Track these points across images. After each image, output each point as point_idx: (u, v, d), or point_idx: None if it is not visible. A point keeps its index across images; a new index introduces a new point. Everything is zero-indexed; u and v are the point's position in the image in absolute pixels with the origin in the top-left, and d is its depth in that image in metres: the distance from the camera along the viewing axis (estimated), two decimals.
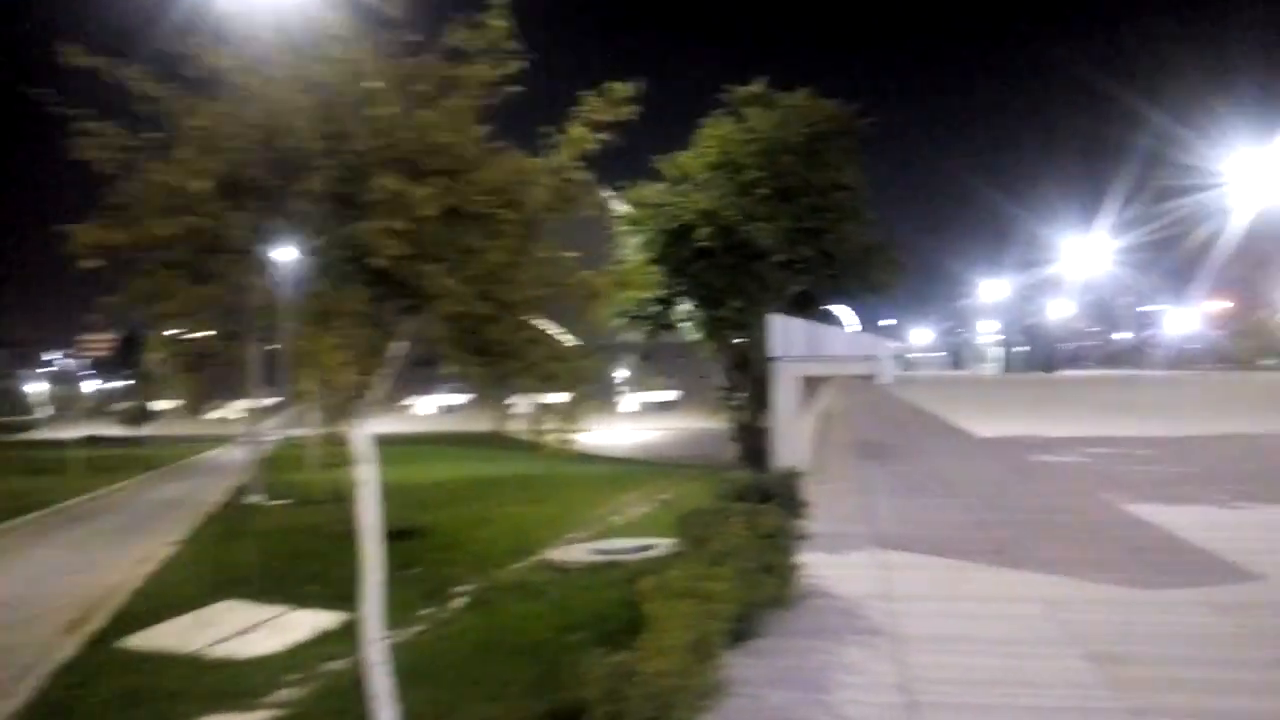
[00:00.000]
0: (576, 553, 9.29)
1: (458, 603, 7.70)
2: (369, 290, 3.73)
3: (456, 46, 4.14)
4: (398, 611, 7.34)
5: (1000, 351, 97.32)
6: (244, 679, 5.89)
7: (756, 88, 14.45)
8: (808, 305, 14.69)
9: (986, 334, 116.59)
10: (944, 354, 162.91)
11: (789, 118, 14.03)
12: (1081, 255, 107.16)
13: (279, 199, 3.58)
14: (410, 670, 5.84)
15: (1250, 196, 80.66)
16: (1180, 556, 6.93)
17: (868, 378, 7.67)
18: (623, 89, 4.35)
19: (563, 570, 8.59)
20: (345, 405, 4.13)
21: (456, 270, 3.73)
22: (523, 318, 4.03)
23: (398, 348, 4.15)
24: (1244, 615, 5.32)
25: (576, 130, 4.29)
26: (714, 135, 14.29)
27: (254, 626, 7.37)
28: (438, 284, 3.60)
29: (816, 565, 6.86)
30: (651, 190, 14.18)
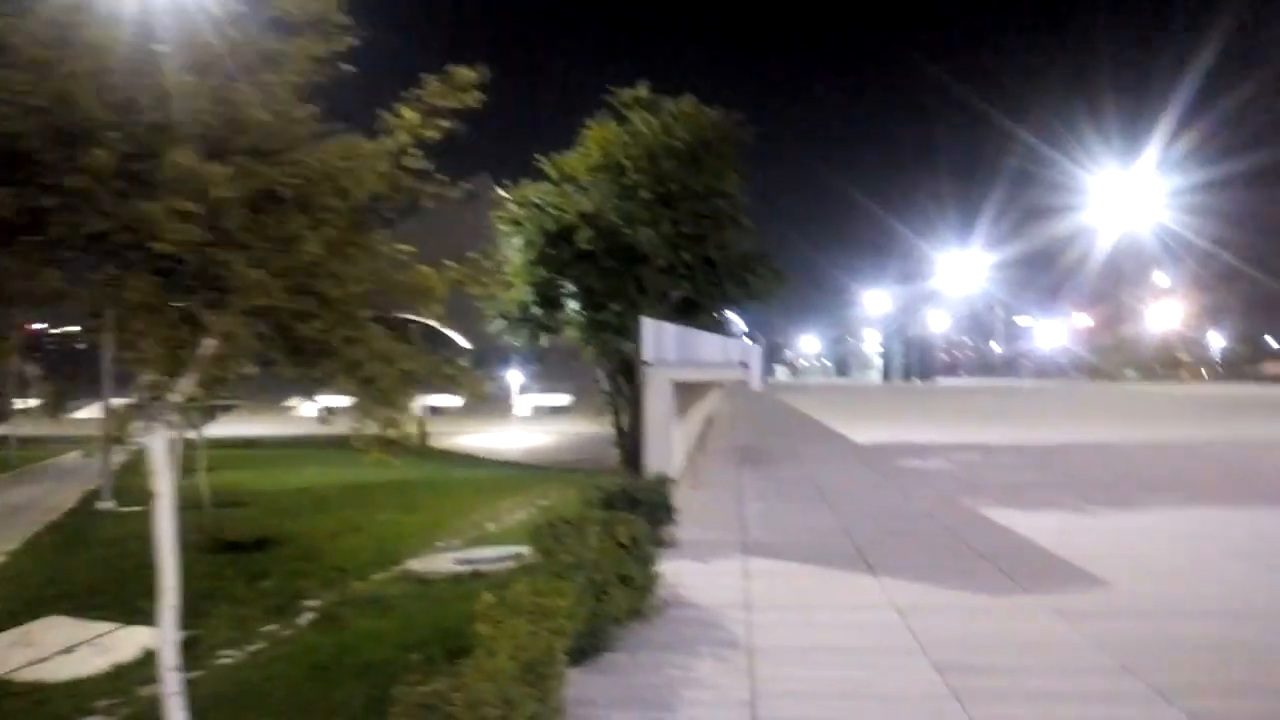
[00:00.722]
0: (440, 563, 8.93)
1: (305, 618, 7.24)
2: (160, 280, 3.34)
3: (281, 16, 3.78)
4: (239, 629, 6.87)
5: (881, 360, 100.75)
6: (50, 705, 5.31)
7: (640, 91, 14.38)
8: (692, 311, 14.69)
9: (870, 343, 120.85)
10: (830, 362, 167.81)
11: (672, 123, 14.01)
12: (958, 270, 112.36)
13: (57, 174, 3.15)
14: (237, 694, 5.40)
15: (1113, 216, 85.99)
16: (1032, 562, 7.07)
17: (740, 383, 7.66)
18: (466, 74, 4.07)
19: (424, 581, 8.23)
20: (145, 406, 3.71)
21: (267, 261, 3.37)
22: (346, 314, 3.68)
23: (210, 345, 3.74)
24: (1090, 622, 5.41)
25: (409, 114, 3.98)
26: (597, 137, 14.14)
27: (76, 646, 6.72)
28: (239, 275, 3.24)
29: (681, 574, 6.72)
30: (534, 190, 13.92)
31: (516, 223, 13.56)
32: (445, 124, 4.13)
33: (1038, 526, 8.50)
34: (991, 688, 4.37)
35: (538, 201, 13.67)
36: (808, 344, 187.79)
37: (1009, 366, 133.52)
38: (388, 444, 3.84)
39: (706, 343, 8.59)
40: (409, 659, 5.24)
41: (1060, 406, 37.56)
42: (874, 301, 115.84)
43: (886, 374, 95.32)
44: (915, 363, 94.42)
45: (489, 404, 67.88)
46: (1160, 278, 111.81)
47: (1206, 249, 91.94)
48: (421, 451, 33.67)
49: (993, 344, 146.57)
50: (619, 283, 13.23)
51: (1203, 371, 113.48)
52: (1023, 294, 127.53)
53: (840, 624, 5.54)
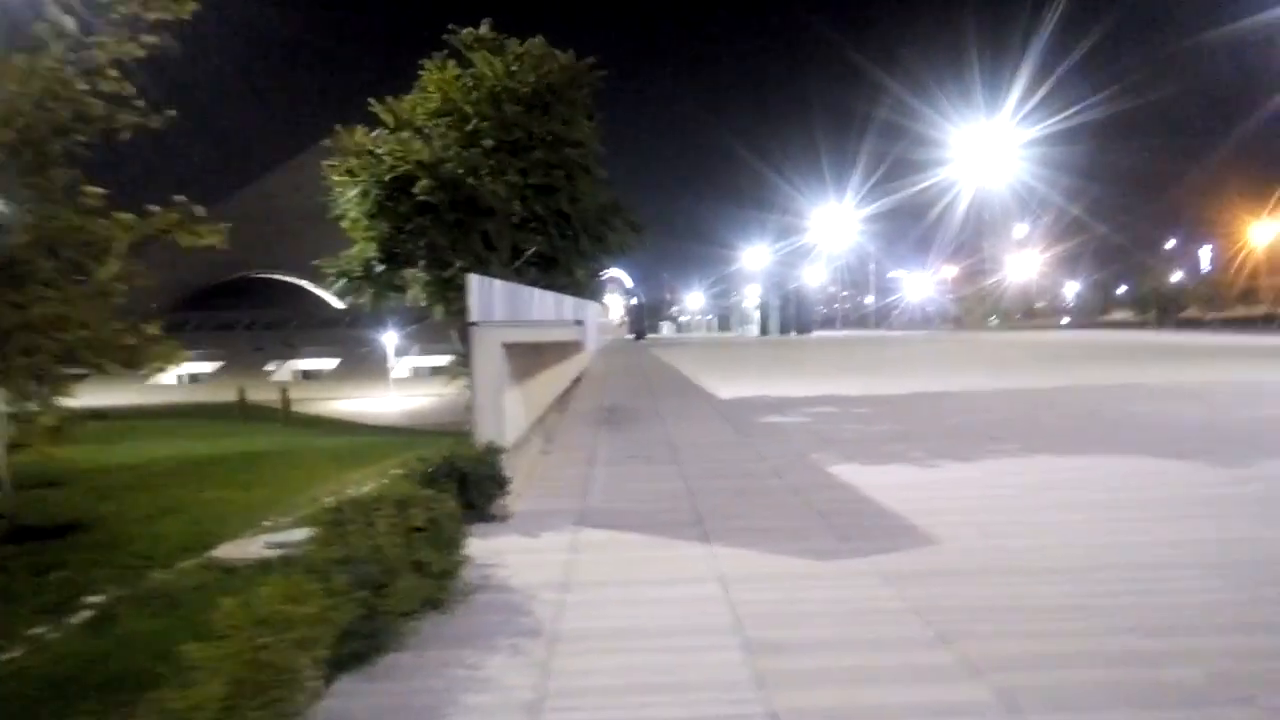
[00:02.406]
0: (253, 547, 8.16)
1: (81, 617, 6.42)
2: None
3: None
4: (2, 630, 6.00)
5: (764, 315, 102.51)
6: None
7: (483, 30, 13.46)
8: (549, 268, 14.06)
9: (750, 298, 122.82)
10: (713, 317, 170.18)
11: (517, 66, 13.18)
12: (834, 224, 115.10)
13: None
14: None
15: (976, 169, 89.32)
16: (869, 522, 6.88)
17: (575, 344, 7.26)
18: None
19: (229, 570, 7.45)
20: None
21: None
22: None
23: None
24: (915, 586, 5.18)
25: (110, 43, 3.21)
26: (436, 80, 13.18)
27: None
28: None
29: (502, 552, 6.22)
30: (366, 137, 12.88)
31: (350, 173, 12.54)
32: (153, 40, 3.38)
33: (881, 482, 8.38)
34: (800, 670, 4.04)
35: (372, 149, 12.66)
36: (693, 300, 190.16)
37: (882, 318, 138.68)
38: (52, 433, 3.13)
39: (539, 300, 7.99)
40: (162, 669, 4.57)
41: (922, 356, 38.81)
42: (754, 257, 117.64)
43: (764, 328, 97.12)
44: (792, 317, 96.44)
45: (367, 366, 65.58)
46: (1019, 229, 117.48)
47: (1059, 201, 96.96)
48: (286, 419, 32.10)
49: (868, 296, 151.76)
50: (464, 237, 12.44)
51: (1062, 318, 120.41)
52: (894, 247, 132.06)
53: (659, 600, 5.13)
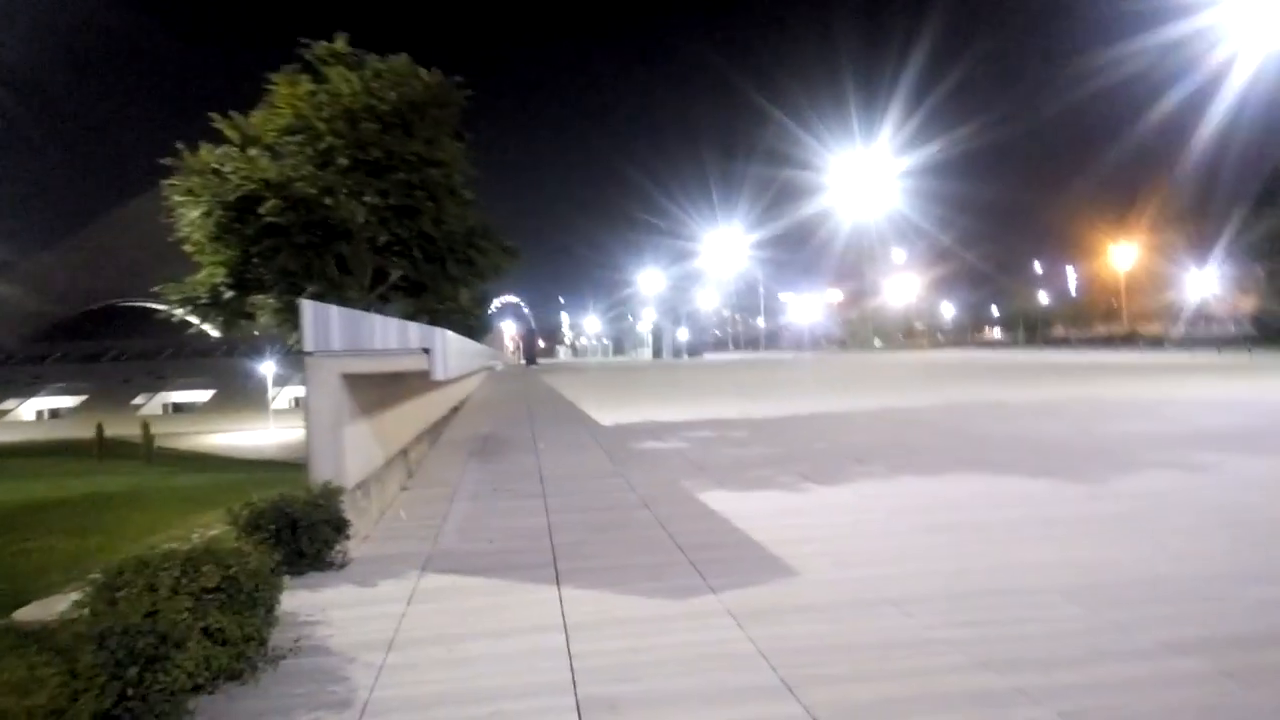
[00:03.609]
0: (64, 606, 7.27)
1: None
2: None
3: None
4: None
5: (656, 338, 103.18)
6: None
7: (339, 44, 12.81)
8: (417, 294, 13.42)
9: (644, 322, 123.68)
10: (609, 341, 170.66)
11: (376, 82, 12.57)
12: (725, 248, 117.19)
13: None
14: None
15: (856, 197, 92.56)
16: (730, 554, 6.57)
17: (423, 373, 6.84)
18: None
19: (26, 635, 6.57)
20: None
21: None
22: None
23: None
24: (767, 625, 4.87)
25: None
26: (288, 95, 12.43)
27: None
28: None
29: (330, 606, 5.62)
30: (211, 155, 12.02)
31: (191, 192, 11.65)
32: None
33: (748, 510, 8.13)
34: None
35: (217, 168, 11.81)
36: (590, 324, 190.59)
37: (772, 340, 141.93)
38: None
39: (383, 327, 7.43)
40: None
41: (804, 377, 39.49)
42: (649, 281, 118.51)
43: (657, 351, 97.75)
44: (684, 340, 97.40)
45: (244, 396, 62.39)
46: (898, 255, 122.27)
47: (932, 229, 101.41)
48: (148, 456, 29.97)
49: (759, 319, 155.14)
50: (317, 261, 11.70)
51: (938, 338, 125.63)
52: (784, 271, 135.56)
53: (493, 657, 4.66)
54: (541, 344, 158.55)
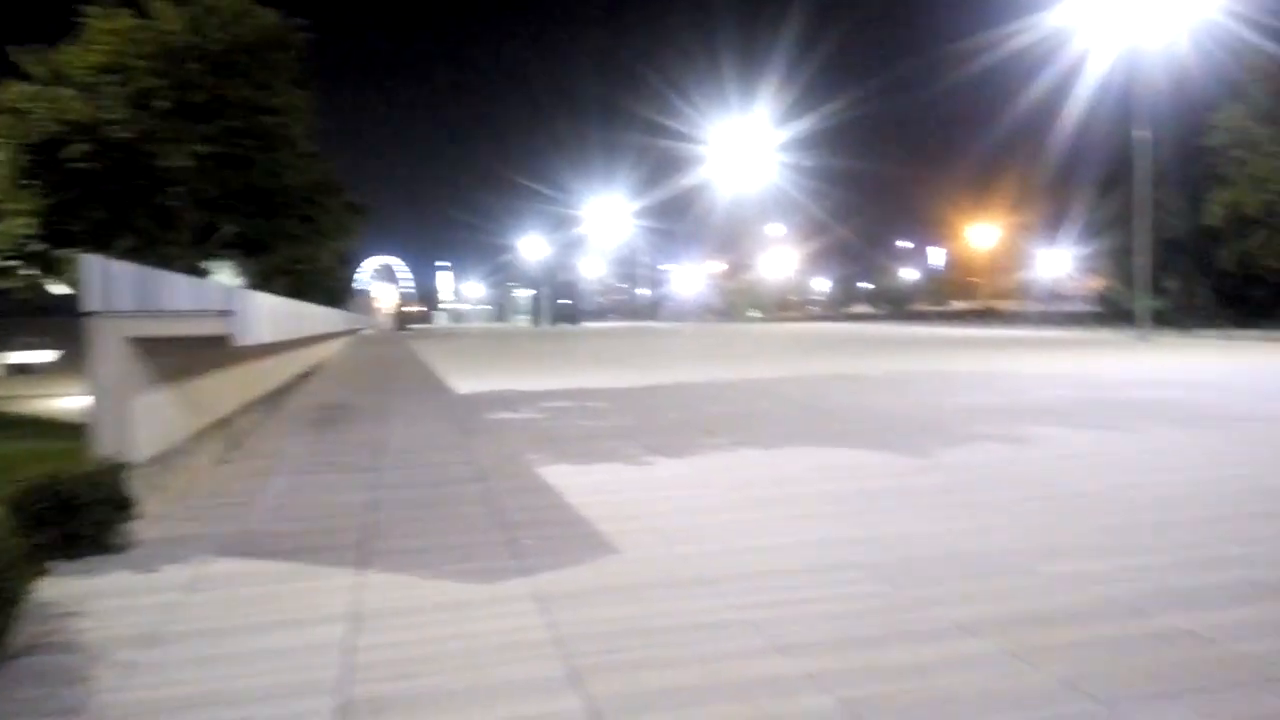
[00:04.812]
0: None
1: None
2: None
3: None
4: None
5: (535, 305, 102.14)
6: None
7: None
8: (257, 251, 12.51)
9: (525, 289, 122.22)
10: (490, 307, 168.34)
11: (205, 19, 11.52)
12: (607, 217, 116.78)
13: None
14: None
15: (734, 168, 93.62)
16: (552, 530, 6.32)
17: (221, 337, 6.29)
18: None
19: None
20: None
21: None
22: None
23: None
24: (568, 609, 4.63)
25: None
26: (105, 30, 11.26)
27: None
28: None
29: (96, 596, 5.05)
30: (15, 92, 10.77)
31: None
32: None
33: (585, 483, 7.91)
34: None
35: (18, 106, 10.59)
36: (471, 289, 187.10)
37: (654, 310, 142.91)
38: None
39: (182, 287, 6.76)
40: None
41: (678, 347, 39.78)
42: (532, 247, 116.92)
43: (536, 319, 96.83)
44: (564, 307, 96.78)
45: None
46: (775, 228, 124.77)
47: (807, 202, 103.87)
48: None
49: (641, 288, 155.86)
50: (130, 213, 10.68)
51: (811, 311, 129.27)
52: (666, 241, 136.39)
53: (263, 653, 4.24)
54: (418, 309, 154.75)
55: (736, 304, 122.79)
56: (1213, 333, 42.15)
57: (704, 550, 5.71)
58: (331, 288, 31.70)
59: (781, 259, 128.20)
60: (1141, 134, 40.73)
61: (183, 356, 8.16)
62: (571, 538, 6.12)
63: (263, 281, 21.96)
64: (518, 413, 13.53)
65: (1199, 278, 52.18)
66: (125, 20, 11.23)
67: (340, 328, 33.67)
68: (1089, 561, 5.29)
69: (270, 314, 8.93)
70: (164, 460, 7.45)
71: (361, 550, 5.95)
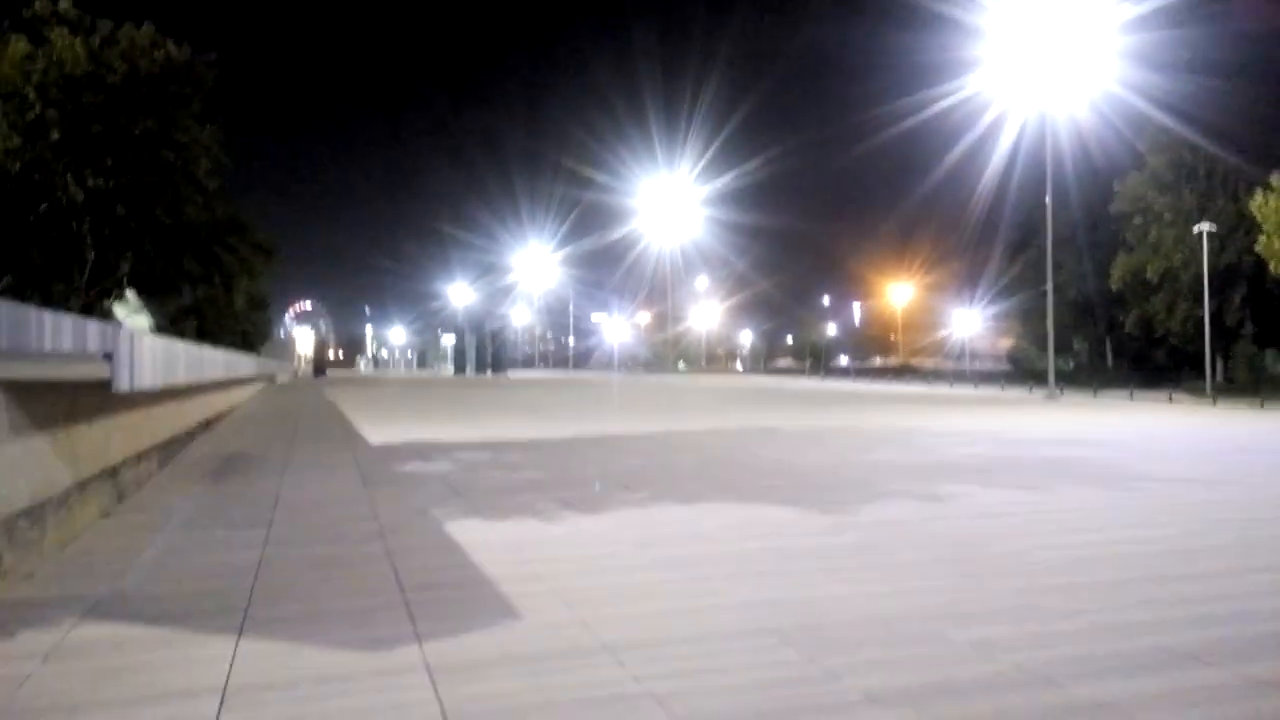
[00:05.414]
0: None
1: None
2: None
3: None
4: None
5: (459, 353, 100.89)
6: None
7: (64, 4, 11.21)
8: (161, 290, 11.86)
9: (450, 336, 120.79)
10: (413, 354, 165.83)
11: (107, 50, 11.06)
12: (535, 266, 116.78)
13: None
14: None
15: (662, 222, 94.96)
16: (453, 593, 5.97)
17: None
18: None
19: None
20: None
21: None
22: None
23: None
24: (461, 682, 4.31)
25: None
26: None
27: None
28: None
29: None
30: None
31: None
32: None
33: (493, 540, 7.57)
34: None
35: None
36: (395, 336, 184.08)
37: (582, 360, 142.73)
38: None
39: (54, 327, 6.28)
40: None
41: (602, 397, 39.57)
42: (457, 295, 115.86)
43: (460, 366, 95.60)
44: (490, 356, 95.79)
45: None
46: (701, 281, 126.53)
47: (731, 257, 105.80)
48: None
49: (570, 338, 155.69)
50: (19, 247, 10.07)
51: (736, 364, 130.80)
52: (595, 292, 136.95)
53: None
54: (339, 355, 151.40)
55: (664, 355, 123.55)
56: (1117, 392, 43.89)
57: (611, 614, 5.45)
58: (246, 331, 30.63)
59: (708, 312, 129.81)
60: (1049, 200, 42.65)
61: (67, 402, 7.60)
62: (472, 601, 5.79)
63: (171, 324, 21.03)
64: (431, 464, 13.08)
65: (1105, 339, 54.52)
66: (20, 46, 10.70)
67: (252, 373, 32.46)
68: (1002, 627, 5.20)
69: (161, 358, 8.41)
70: (35, 514, 6.86)
71: (245, 615, 5.50)
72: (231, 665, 4.62)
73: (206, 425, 18.10)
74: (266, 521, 8.62)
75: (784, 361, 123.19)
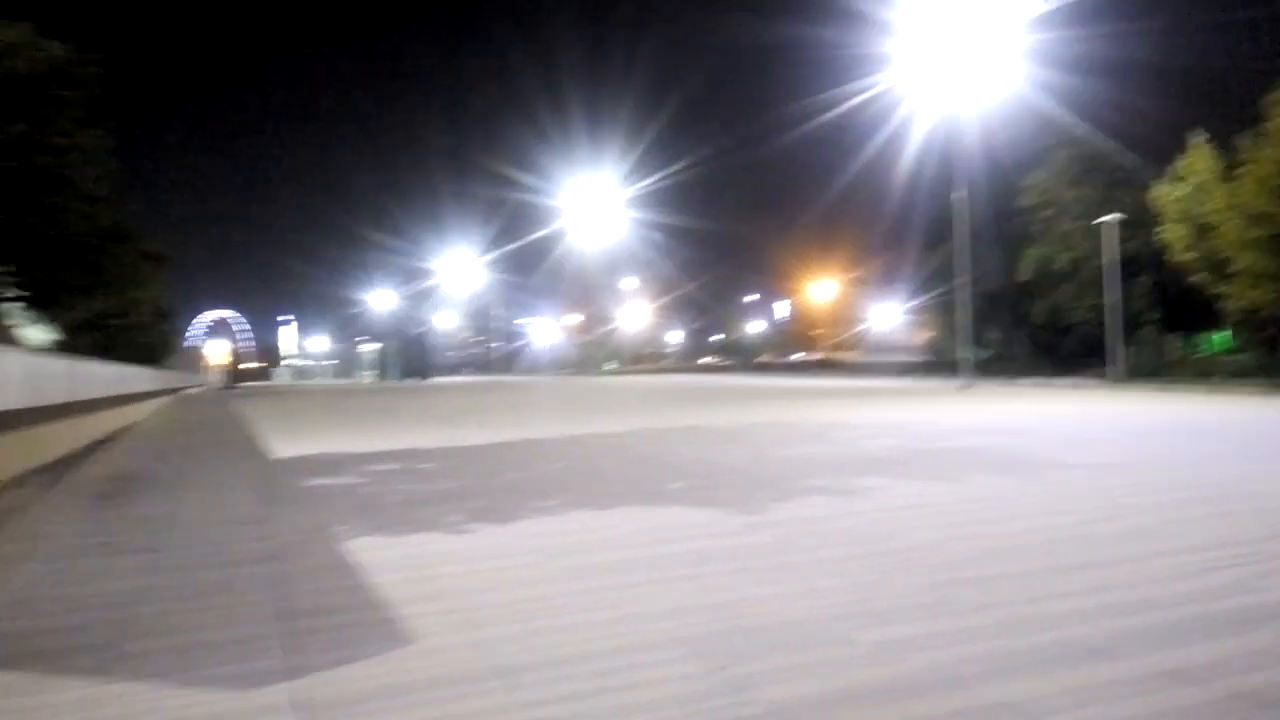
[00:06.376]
0: None
1: None
2: None
3: None
4: None
5: (381, 360, 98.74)
6: None
7: None
8: (45, 303, 11.08)
9: (372, 343, 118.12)
10: (336, 362, 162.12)
11: None
12: (461, 269, 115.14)
13: None
14: None
15: (590, 223, 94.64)
16: (341, 618, 5.59)
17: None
18: None
19: None
20: None
21: None
22: None
23: None
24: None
25: None
26: None
27: None
28: None
29: None
30: None
31: None
32: None
33: (394, 558, 7.19)
34: None
35: None
36: (317, 344, 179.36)
37: (510, 363, 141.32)
38: None
39: None
40: None
41: (528, 401, 39.06)
42: (379, 300, 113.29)
43: (383, 374, 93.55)
44: (413, 362, 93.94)
45: None
46: (629, 282, 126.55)
47: (658, 258, 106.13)
48: None
49: (497, 342, 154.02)
50: None
51: (664, 363, 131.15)
52: (521, 294, 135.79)
53: None
54: (256, 365, 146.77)
55: (592, 357, 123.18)
56: (1029, 381, 45.25)
57: (510, 633, 5.15)
58: (149, 344, 29.24)
59: (636, 312, 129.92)
60: (960, 195, 43.70)
61: None
62: (360, 626, 5.41)
63: (70, 337, 19.87)
64: (337, 478, 12.54)
65: (1016, 329, 56.17)
66: None
67: (153, 387, 31.00)
68: (912, 625, 5.07)
69: (23, 374, 7.78)
70: None
71: (109, 652, 5.04)
72: (85, 713, 4.19)
73: (101, 442, 17.11)
74: (150, 547, 8.05)
75: (711, 359, 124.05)
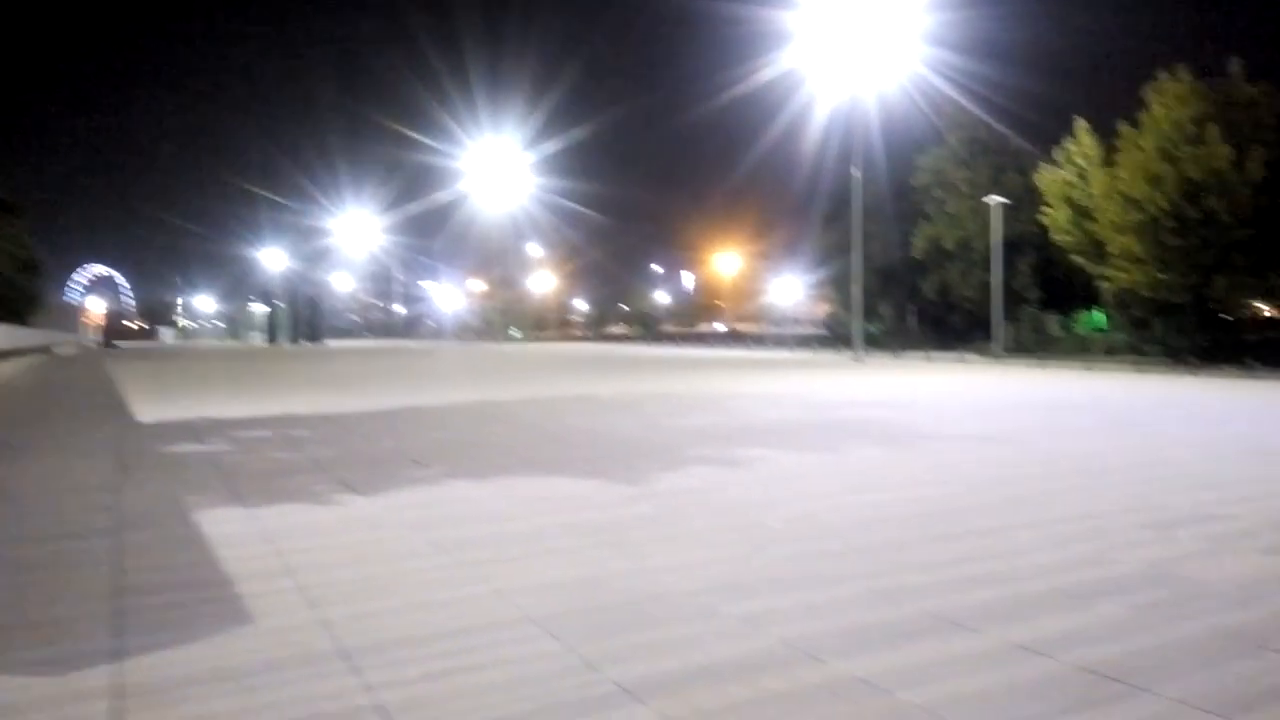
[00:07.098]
0: None
1: None
2: None
3: None
4: None
5: (272, 322, 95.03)
6: None
7: None
8: None
9: (261, 304, 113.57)
10: (225, 323, 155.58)
11: None
12: (358, 231, 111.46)
13: None
14: None
15: (493, 187, 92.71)
16: (178, 595, 5.19)
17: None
18: None
19: None
20: None
21: None
22: None
23: None
24: (145, 709, 3.63)
25: None
26: None
27: None
28: None
29: None
30: None
31: None
32: None
33: (249, 532, 6.77)
34: None
35: None
36: (205, 304, 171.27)
37: (411, 328, 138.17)
38: None
39: None
40: None
41: (423, 367, 38.22)
42: (270, 260, 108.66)
43: (272, 336, 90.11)
44: (306, 324, 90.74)
45: None
46: (534, 248, 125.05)
47: (564, 225, 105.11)
48: None
49: (396, 305, 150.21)
50: None
51: (571, 332, 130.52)
52: (422, 257, 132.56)
53: None
54: (137, 325, 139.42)
55: (496, 323, 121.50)
56: (918, 354, 46.77)
57: (361, 611, 4.87)
58: (12, 299, 27.22)
59: (541, 279, 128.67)
60: (856, 172, 44.53)
61: None
62: (199, 605, 5.03)
63: None
64: (203, 444, 11.86)
65: (907, 304, 57.93)
66: None
67: (13, 344, 28.81)
68: (773, 598, 5.02)
69: None
70: None
71: None
72: None
73: None
74: None
75: (617, 328, 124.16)
